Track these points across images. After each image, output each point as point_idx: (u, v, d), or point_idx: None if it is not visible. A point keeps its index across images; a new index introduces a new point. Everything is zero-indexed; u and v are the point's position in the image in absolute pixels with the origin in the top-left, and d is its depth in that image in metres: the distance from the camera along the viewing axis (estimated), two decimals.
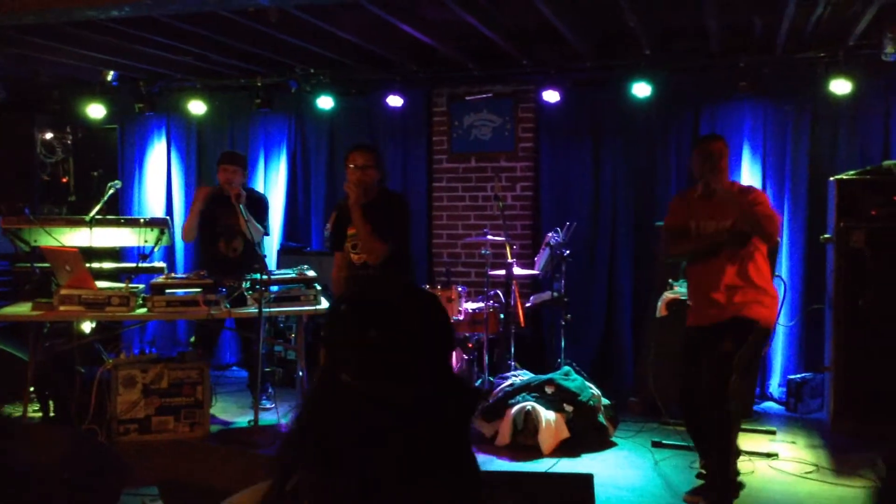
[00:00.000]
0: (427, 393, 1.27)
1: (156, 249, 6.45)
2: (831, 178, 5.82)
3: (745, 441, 5.31)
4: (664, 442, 5.30)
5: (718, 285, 4.22)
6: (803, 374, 6.25)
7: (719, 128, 6.56)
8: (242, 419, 5.85)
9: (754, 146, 6.53)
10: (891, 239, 5.46)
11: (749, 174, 6.50)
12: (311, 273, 5.58)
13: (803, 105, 6.39)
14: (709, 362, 4.19)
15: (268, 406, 5.99)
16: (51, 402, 5.47)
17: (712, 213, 4.30)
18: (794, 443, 5.42)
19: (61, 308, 5.14)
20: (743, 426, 5.50)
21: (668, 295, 5.62)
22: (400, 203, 4.78)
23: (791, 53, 6.17)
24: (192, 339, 6.08)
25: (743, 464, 4.82)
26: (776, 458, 5.05)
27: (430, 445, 1.25)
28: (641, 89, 6.41)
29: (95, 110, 7.64)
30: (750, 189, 4.49)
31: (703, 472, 4.43)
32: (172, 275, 5.93)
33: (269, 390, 6.16)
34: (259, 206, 6.01)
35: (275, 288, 5.41)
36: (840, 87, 6.01)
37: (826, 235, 5.82)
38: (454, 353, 4.50)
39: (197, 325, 6.09)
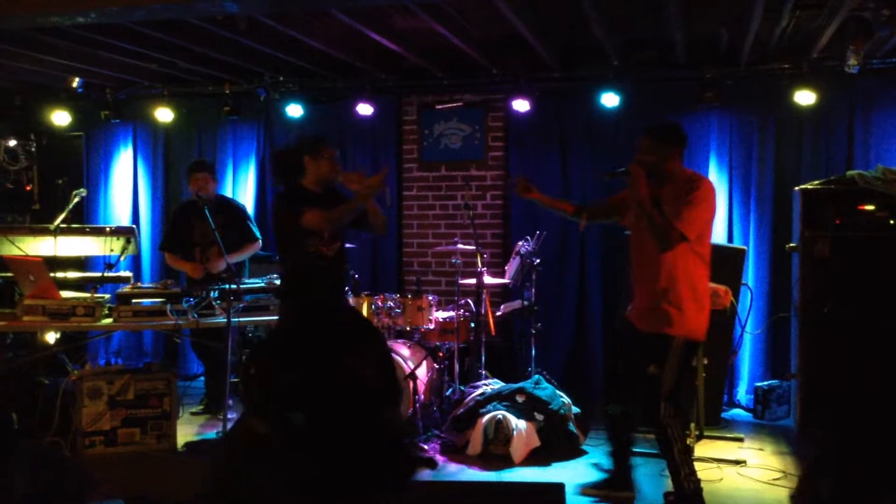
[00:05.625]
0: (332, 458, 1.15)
1: (122, 259, 6.38)
2: (796, 188, 5.90)
3: (713, 448, 5.36)
4: (634, 450, 5.32)
5: (653, 282, 4.08)
6: (770, 382, 6.33)
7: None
8: (210, 431, 5.78)
9: (720, 156, 6.61)
10: (855, 248, 5.55)
11: (716, 184, 6.55)
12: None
13: (768, 116, 6.49)
14: (640, 385, 4.15)
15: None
16: (14, 415, 5.36)
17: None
18: (761, 450, 5.47)
19: (25, 318, 5.06)
20: (710, 433, 5.58)
21: None
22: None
23: (756, 65, 6.26)
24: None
25: (711, 471, 4.87)
26: (744, 465, 5.09)
27: None
28: (609, 99, 6.48)
29: (60, 117, 7.55)
30: (693, 180, 4.14)
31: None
32: (139, 284, 5.85)
33: (230, 401, 6.00)
34: (236, 213, 6.03)
35: (244, 297, 5.36)
36: (804, 98, 6.13)
37: (791, 244, 5.90)
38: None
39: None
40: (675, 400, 4.10)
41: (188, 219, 5.96)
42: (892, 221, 5.52)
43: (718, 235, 6.27)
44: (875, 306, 5.48)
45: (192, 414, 6.18)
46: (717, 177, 6.58)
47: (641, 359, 4.13)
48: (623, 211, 4.42)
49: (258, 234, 6.13)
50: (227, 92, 7.24)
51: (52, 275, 5.29)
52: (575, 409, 5.49)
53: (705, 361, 5.37)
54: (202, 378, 7.49)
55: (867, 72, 5.96)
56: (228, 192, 7.64)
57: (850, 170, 5.90)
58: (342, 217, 4.48)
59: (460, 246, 6.11)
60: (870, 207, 5.56)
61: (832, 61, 5.93)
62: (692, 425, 5.36)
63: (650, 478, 4.88)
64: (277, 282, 5.53)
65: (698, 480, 4.16)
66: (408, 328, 5.88)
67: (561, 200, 4.76)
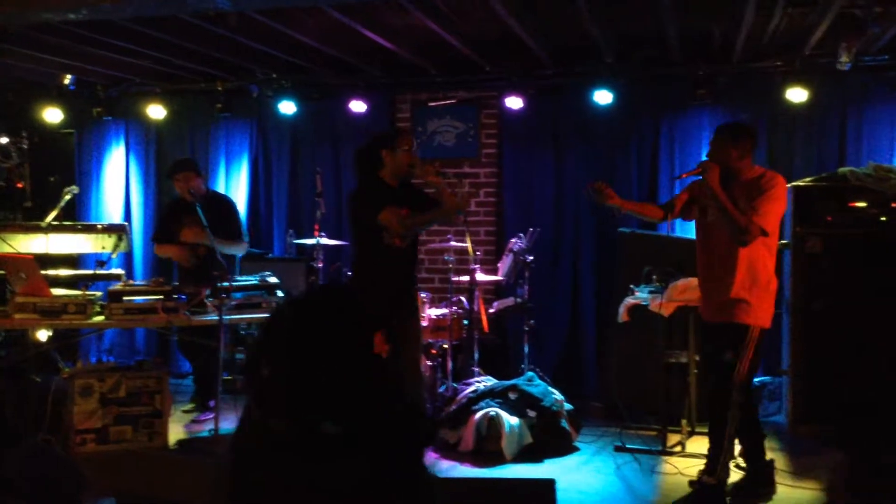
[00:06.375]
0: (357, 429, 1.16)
1: (114, 256, 6.37)
2: (788, 185, 5.91)
3: (706, 444, 5.37)
4: (626, 446, 5.34)
5: (727, 276, 4.19)
6: (761, 378, 6.33)
7: (679, 135, 6.66)
8: (202, 428, 5.78)
9: None
10: (846, 244, 5.57)
11: None
12: (274, 280, 5.54)
13: (760, 113, 6.50)
14: (713, 373, 4.26)
15: (204, 418, 5.92)
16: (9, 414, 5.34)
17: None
18: None
19: (16, 316, 5.03)
20: (703, 430, 5.57)
21: (629, 300, 5.66)
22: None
23: (748, 62, 6.27)
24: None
25: (701, 466, 4.88)
26: (736, 461, 5.10)
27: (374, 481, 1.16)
28: (603, 97, 6.48)
29: (52, 114, 7.52)
30: (768, 176, 4.26)
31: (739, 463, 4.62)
32: (131, 282, 5.84)
33: (211, 404, 5.88)
34: (226, 209, 6.02)
35: (237, 294, 5.35)
36: (796, 95, 6.14)
37: (783, 241, 5.91)
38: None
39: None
40: (747, 388, 4.24)
41: (177, 215, 5.94)
42: (883, 218, 5.54)
43: None
44: (866, 303, 5.50)
45: (184, 412, 6.17)
46: None
47: (718, 349, 4.24)
48: (689, 208, 4.55)
49: (246, 235, 6.11)
50: (220, 89, 7.22)
51: (43, 272, 5.26)
52: (567, 406, 5.50)
53: (696, 357, 5.38)
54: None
55: (859, 69, 5.98)
56: (221, 191, 7.63)
57: (842, 166, 5.92)
58: (421, 225, 4.70)
59: (453, 243, 6.11)
60: (861, 204, 5.58)
61: (824, 58, 5.93)
62: (683, 422, 5.38)
63: (643, 474, 4.89)
64: (270, 279, 5.52)
65: (728, 475, 4.31)
66: None
67: (643, 204, 4.80)
